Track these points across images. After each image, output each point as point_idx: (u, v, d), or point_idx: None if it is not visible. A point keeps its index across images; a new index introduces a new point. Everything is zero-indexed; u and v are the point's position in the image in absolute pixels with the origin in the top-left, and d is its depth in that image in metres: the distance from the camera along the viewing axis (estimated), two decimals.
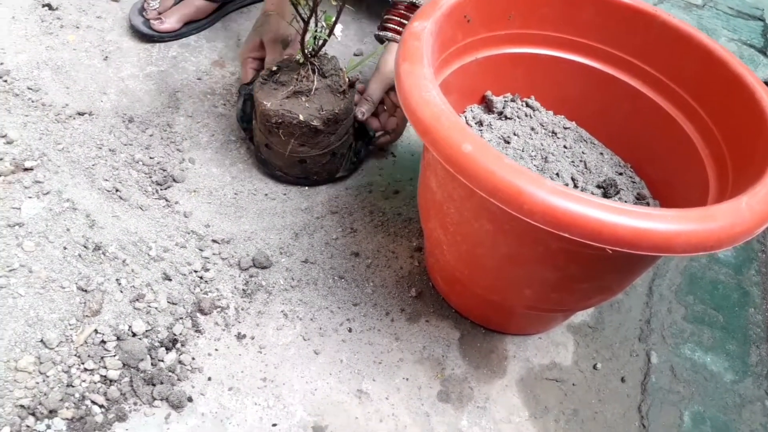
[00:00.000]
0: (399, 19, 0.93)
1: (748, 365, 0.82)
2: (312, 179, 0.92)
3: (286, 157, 0.86)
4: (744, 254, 0.96)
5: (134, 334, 0.68)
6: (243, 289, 0.78)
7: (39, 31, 1.02)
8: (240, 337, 0.73)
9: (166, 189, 0.86)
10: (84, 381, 0.64)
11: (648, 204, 0.76)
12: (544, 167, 0.77)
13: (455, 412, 0.72)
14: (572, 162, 0.80)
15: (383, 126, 0.95)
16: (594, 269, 0.62)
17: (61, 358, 0.63)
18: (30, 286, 0.63)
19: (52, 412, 0.62)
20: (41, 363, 0.62)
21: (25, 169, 0.67)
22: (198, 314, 0.74)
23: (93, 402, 0.64)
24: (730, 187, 0.64)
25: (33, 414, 0.61)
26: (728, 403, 0.77)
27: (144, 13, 1.06)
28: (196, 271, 0.77)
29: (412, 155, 1.01)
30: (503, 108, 0.82)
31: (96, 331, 0.66)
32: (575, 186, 0.76)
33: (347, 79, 0.86)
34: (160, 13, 1.06)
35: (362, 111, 0.91)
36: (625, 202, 0.76)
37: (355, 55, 1.17)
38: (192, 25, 1.09)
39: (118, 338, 0.67)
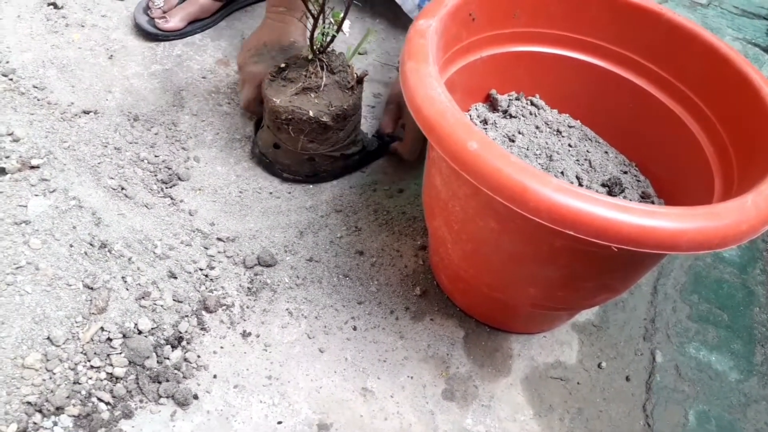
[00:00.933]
0: None
1: (753, 364, 0.82)
2: (320, 176, 0.92)
3: (297, 153, 0.86)
4: (749, 253, 0.96)
5: (140, 332, 0.68)
6: (248, 288, 0.78)
7: (44, 29, 1.02)
8: (245, 335, 0.74)
9: (171, 187, 0.86)
10: (90, 378, 0.64)
11: (653, 203, 0.76)
12: (548, 166, 0.77)
13: (460, 411, 0.72)
14: (577, 161, 0.80)
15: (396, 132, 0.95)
16: (599, 267, 0.62)
17: (67, 355, 0.63)
18: (37, 283, 0.63)
19: (59, 409, 0.62)
20: (48, 360, 0.62)
21: (32, 167, 0.68)
22: (203, 312, 0.74)
23: (99, 399, 0.64)
24: (736, 186, 0.64)
25: (40, 411, 0.61)
26: (733, 403, 0.77)
27: (149, 12, 1.06)
28: (201, 269, 0.77)
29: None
30: (508, 106, 0.82)
31: (102, 328, 0.66)
32: (580, 185, 0.76)
33: (355, 75, 0.86)
34: (164, 12, 1.06)
35: (389, 124, 0.93)
36: (630, 200, 0.76)
37: (359, 54, 1.17)
38: (196, 24, 1.10)
39: (124, 336, 0.67)
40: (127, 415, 0.64)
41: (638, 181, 0.80)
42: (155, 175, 0.86)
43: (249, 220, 0.86)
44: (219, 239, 0.82)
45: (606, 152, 0.83)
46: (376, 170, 0.97)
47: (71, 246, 0.66)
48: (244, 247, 0.82)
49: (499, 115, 0.82)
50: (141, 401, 0.66)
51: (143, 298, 0.70)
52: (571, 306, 0.72)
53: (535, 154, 0.79)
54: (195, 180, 0.89)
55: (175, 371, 0.68)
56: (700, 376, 0.80)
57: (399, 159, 0.97)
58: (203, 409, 0.67)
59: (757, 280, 0.92)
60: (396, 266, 0.84)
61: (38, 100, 0.89)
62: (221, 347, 0.72)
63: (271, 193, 0.90)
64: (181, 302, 0.73)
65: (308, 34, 0.80)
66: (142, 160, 0.86)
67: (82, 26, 1.06)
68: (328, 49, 0.84)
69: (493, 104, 0.83)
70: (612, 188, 0.76)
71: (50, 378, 0.62)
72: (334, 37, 0.81)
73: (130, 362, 0.67)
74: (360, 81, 0.86)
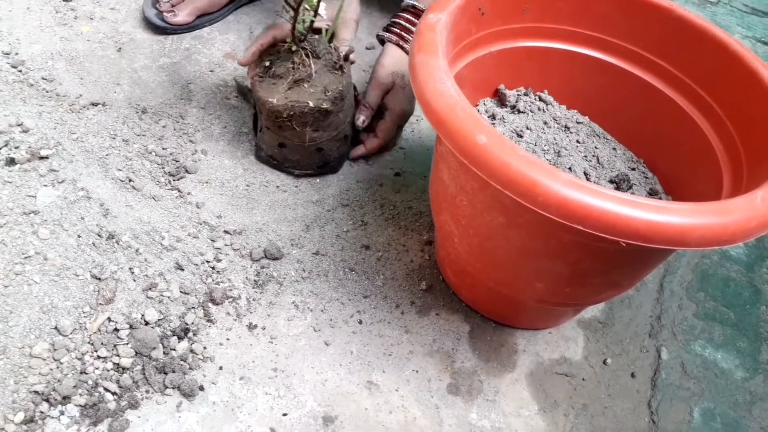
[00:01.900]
0: (405, 24, 0.92)
1: (759, 363, 0.82)
2: (331, 166, 0.92)
3: (305, 147, 0.86)
4: (756, 252, 0.96)
5: (147, 323, 0.68)
6: (254, 280, 0.78)
7: (53, 21, 1.03)
8: (251, 327, 0.74)
9: (178, 180, 0.86)
10: (97, 368, 0.65)
11: (660, 199, 0.76)
12: (556, 161, 0.77)
13: (465, 405, 0.72)
14: (585, 157, 0.80)
15: (376, 131, 0.94)
16: (606, 263, 0.62)
17: (74, 345, 0.64)
18: (45, 273, 0.63)
19: (66, 399, 0.62)
20: (55, 350, 0.63)
21: (41, 158, 0.68)
22: (210, 304, 0.74)
23: (106, 389, 0.64)
24: (745, 182, 0.63)
25: (47, 400, 0.62)
26: (739, 400, 0.77)
27: (157, 6, 1.07)
28: (208, 262, 0.77)
29: (423, 149, 1.01)
30: (516, 102, 0.82)
31: (109, 319, 0.66)
32: (588, 180, 0.76)
33: (341, 54, 0.85)
34: (173, 6, 1.06)
35: (362, 119, 0.90)
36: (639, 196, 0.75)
37: (366, 48, 1.17)
38: (205, 18, 1.10)
39: (131, 326, 0.67)
40: (134, 405, 0.64)
41: (646, 177, 0.79)
42: (163, 168, 0.86)
43: (256, 213, 0.86)
44: (226, 232, 0.82)
45: (614, 148, 0.82)
46: (383, 165, 0.97)
47: (79, 237, 0.66)
48: (251, 240, 0.82)
49: (507, 111, 0.82)
50: (147, 392, 0.66)
51: (150, 289, 0.70)
52: (578, 302, 0.71)
53: (543, 150, 0.79)
54: (202, 173, 0.89)
55: (182, 362, 0.68)
56: (705, 373, 0.79)
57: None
58: (209, 400, 0.67)
59: (764, 279, 0.92)
60: (402, 261, 0.84)
61: (47, 91, 0.90)
62: (227, 339, 0.72)
63: (278, 186, 0.90)
64: (187, 294, 0.73)
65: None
66: (150, 153, 0.86)
67: (91, 19, 1.06)
68: (309, 36, 0.83)
69: (501, 99, 0.83)
70: (620, 184, 0.76)
71: (57, 367, 0.63)
72: (312, 22, 0.80)
73: (136, 353, 0.67)
74: (346, 58, 0.85)
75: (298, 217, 0.87)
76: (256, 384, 0.69)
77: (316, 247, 0.84)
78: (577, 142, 0.81)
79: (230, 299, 0.75)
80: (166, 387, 0.66)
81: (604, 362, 0.78)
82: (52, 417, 0.61)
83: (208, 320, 0.73)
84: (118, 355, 0.66)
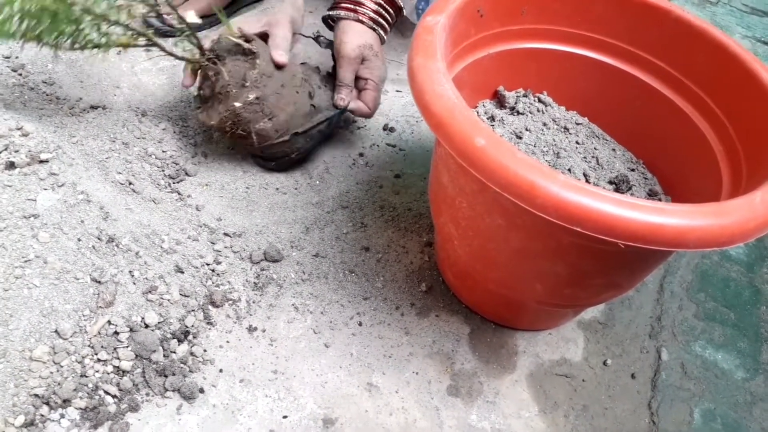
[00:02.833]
0: None
1: (759, 363, 0.81)
2: (308, 148, 0.91)
3: (274, 143, 0.86)
4: (756, 252, 0.96)
5: (147, 326, 0.68)
6: (254, 283, 0.78)
7: None
8: (251, 329, 0.74)
9: (178, 182, 0.86)
10: (97, 371, 0.65)
11: (660, 200, 0.76)
12: (556, 163, 0.77)
13: (465, 407, 0.72)
14: (584, 158, 0.80)
15: (362, 102, 0.92)
16: (606, 265, 0.62)
17: (75, 348, 0.64)
18: (45, 276, 0.63)
19: (66, 402, 0.62)
20: (55, 353, 0.63)
21: (41, 161, 0.68)
22: (210, 306, 0.74)
23: (106, 392, 0.64)
24: (744, 183, 0.63)
25: (47, 403, 0.62)
26: (739, 401, 0.77)
27: (158, 8, 1.07)
28: (208, 264, 0.77)
29: (422, 150, 1.01)
30: (515, 103, 0.82)
31: (109, 322, 0.66)
32: (587, 182, 0.76)
33: (238, 39, 0.83)
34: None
35: (342, 98, 0.90)
36: (638, 198, 0.75)
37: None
38: (205, 20, 1.10)
39: (131, 329, 0.67)
40: (134, 408, 0.64)
41: (645, 178, 0.79)
42: (163, 171, 0.86)
43: (256, 215, 0.86)
44: (226, 234, 0.82)
45: (613, 149, 0.82)
46: (383, 167, 0.97)
47: (79, 240, 0.67)
48: (251, 242, 0.82)
49: (506, 112, 0.82)
50: (147, 395, 0.66)
51: (150, 292, 0.70)
52: (578, 303, 0.71)
53: (543, 151, 0.79)
54: (202, 175, 0.89)
55: (182, 365, 0.68)
56: (705, 374, 0.79)
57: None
58: (209, 402, 0.67)
59: (764, 279, 0.92)
60: (402, 262, 0.84)
61: (47, 95, 0.90)
62: (227, 341, 0.72)
63: (277, 188, 0.90)
64: (187, 297, 0.73)
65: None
66: (150, 156, 0.86)
67: None
68: (205, 45, 0.83)
69: (500, 101, 0.83)
70: (619, 185, 0.76)
71: (57, 371, 0.63)
72: (193, 33, 0.81)
73: (136, 356, 0.67)
74: (248, 39, 0.83)
75: (297, 220, 0.87)
76: (256, 386, 0.69)
77: (315, 249, 0.84)
78: (577, 143, 0.81)
79: (230, 302, 0.75)
80: (167, 390, 0.66)
81: (605, 363, 0.78)
82: (53, 420, 0.62)
83: (208, 323, 0.73)
84: (118, 358, 0.66)
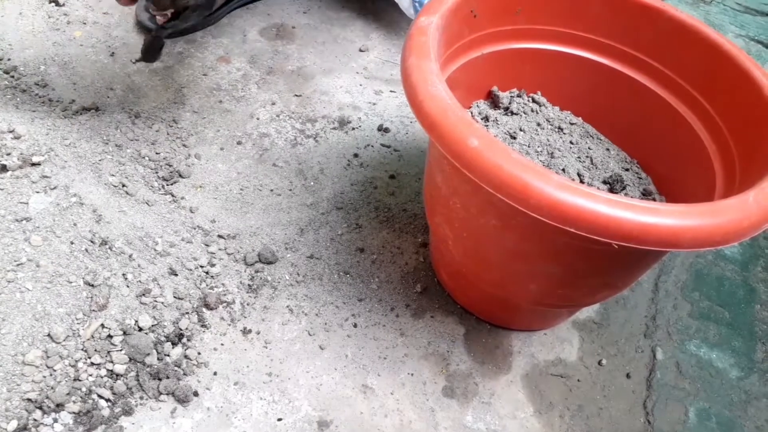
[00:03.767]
0: None
1: (754, 362, 0.82)
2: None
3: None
4: (750, 251, 0.96)
5: (140, 329, 0.68)
6: (249, 285, 0.78)
7: (46, 26, 1.02)
8: (246, 332, 0.74)
9: (172, 184, 0.86)
10: (91, 375, 0.64)
11: (654, 200, 0.76)
12: (550, 163, 0.77)
13: (460, 408, 0.72)
14: (578, 158, 0.80)
15: None
16: (600, 265, 0.62)
17: (68, 352, 0.64)
18: (37, 280, 0.63)
19: (59, 406, 0.62)
20: (48, 357, 0.62)
21: (33, 164, 0.68)
22: (204, 309, 0.74)
23: (99, 396, 0.64)
24: (738, 183, 0.63)
25: (40, 408, 0.61)
26: (734, 400, 0.77)
27: (150, 9, 1.06)
28: (202, 266, 0.77)
29: (417, 151, 1.01)
30: (509, 103, 0.82)
31: (102, 325, 0.66)
32: (581, 182, 0.76)
33: None
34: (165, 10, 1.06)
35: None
36: (632, 197, 0.75)
37: (360, 51, 1.17)
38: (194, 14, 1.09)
39: (125, 333, 0.67)
40: (128, 411, 0.64)
41: (640, 178, 0.79)
42: (156, 173, 0.86)
43: (250, 217, 0.86)
44: (220, 236, 0.82)
45: (607, 149, 0.82)
46: (377, 168, 0.97)
47: (72, 243, 0.66)
48: (245, 244, 0.82)
49: (500, 113, 0.82)
50: (141, 398, 0.66)
51: (144, 295, 0.70)
52: (572, 303, 0.71)
53: (537, 151, 0.79)
54: (196, 177, 0.89)
55: (176, 368, 0.68)
56: (700, 373, 0.79)
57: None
58: (203, 405, 0.67)
59: (759, 278, 0.92)
60: (397, 263, 0.84)
61: (40, 97, 0.89)
62: (221, 344, 0.72)
63: (272, 190, 0.90)
64: (181, 299, 0.73)
65: None
66: (143, 157, 0.86)
67: (84, 23, 1.05)
68: None
69: (494, 101, 0.83)
70: (613, 185, 0.76)
71: (50, 375, 0.62)
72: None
73: (130, 359, 0.67)
74: None
75: (292, 221, 0.87)
76: (251, 389, 0.69)
77: (310, 251, 0.84)
78: (571, 143, 0.81)
79: (224, 304, 0.75)
80: (161, 393, 0.66)
81: (600, 363, 0.78)
82: (46, 425, 0.61)
83: (202, 325, 0.73)
84: (111, 362, 0.66)
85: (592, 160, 0.80)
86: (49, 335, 0.63)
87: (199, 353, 0.70)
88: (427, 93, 0.57)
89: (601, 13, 0.76)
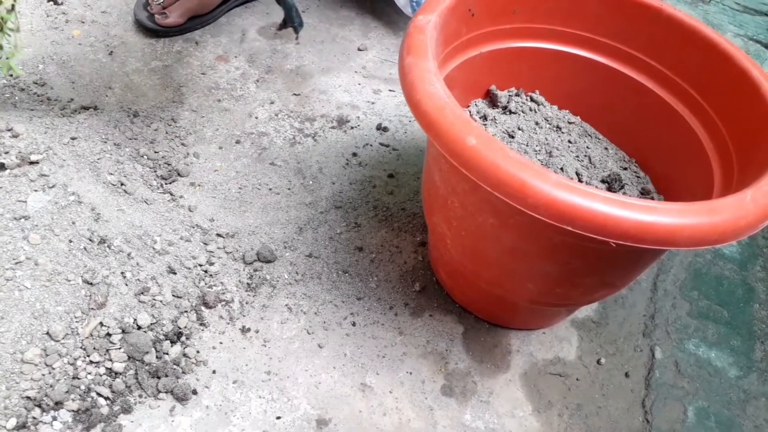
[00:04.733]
0: None
1: (752, 361, 0.82)
2: None
3: None
4: (749, 250, 0.96)
5: (139, 327, 0.68)
6: (247, 283, 0.78)
7: (45, 25, 1.02)
8: (244, 330, 0.74)
9: (170, 183, 0.86)
10: (89, 373, 0.65)
11: (653, 198, 0.76)
12: (548, 162, 0.77)
13: (459, 406, 0.72)
14: (577, 157, 0.80)
15: None
16: (598, 263, 0.62)
17: (66, 350, 0.64)
18: (36, 278, 0.63)
19: (58, 404, 0.62)
20: (47, 355, 0.63)
21: (31, 163, 0.68)
22: (203, 308, 0.74)
23: (98, 394, 0.64)
24: (735, 182, 0.63)
25: (39, 405, 0.61)
26: (732, 399, 0.77)
27: (148, 8, 1.06)
28: (200, 265, 0.77)
29: (415, 150, 1.01)
30: (508, 102, 0.82)
31: (101, 323, 0.66)
32: (580, 180, 0.76)
33: None
34: (164, 8, 1.06)
35: None
36: (630, 196, 0.76)
37: (359, 50, 1.17)
38: (196, 20, 1.10)
39: (123, 331, 0.67)
40: (126, 410, 0.64)
41: (638, 177, 0.79)
42: (155, 171, 0.86)
43: (248, 216, 0.86)
44: (218, 235, 0.82)
45: (606, 148, 0.83)
46: (376, 167, 0.97)
47: (70, 241, 0.66)
48: (244, 242, 0.82)
49: (498, 111, 0.82)
50: (140, 396, 0.66)
51: (142, 293, 0.70)
52: (571, 302, 0.71)
53: (535, 150, 0.79)
54: (194, 176, 0.89)
55: (174, 366, 0.68)
56: (699, 372, 0.80)
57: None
58: (202, 404, 0.67)
59: (758, 277, 0.92)
60: (395, 262, 0.84)
61: (38, 95, 0.89)
62: (220, 343, 0.72)
63: (270, 189, 0.90)
64: (180, 298, 0.73)
65: None
66: (142, 156, 0.86)
67: (82, 22, 1.05)
68: None
69: (492, 100, 0.83)
70: (612, 184, 0.76)
71: (49, 373, 0.62)
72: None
73: (129, 357, 0.67)
74: None
75: (291, 220, 0.87)
76: (250, 387, 0.69)
77: (309, 250, 0.84)
78: (569, 142, 0.81)
79: (223, 302, 0.75)
80: (159, 391, 0.66)
81: (598, 362, 0.78)
82: (45, 422, 0.61)
83: (200, 324, 0.73)
84: (110, 360, 0.66)
85: (590, 159, 0.80)
86: (47, 333, 0.63)
87: (197, 352, 0.70)
88: (425, 91, 0.57)
89: (599, 12, 0.76)
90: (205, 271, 0.77)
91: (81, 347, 0.65)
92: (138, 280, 0.70)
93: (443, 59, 0.71)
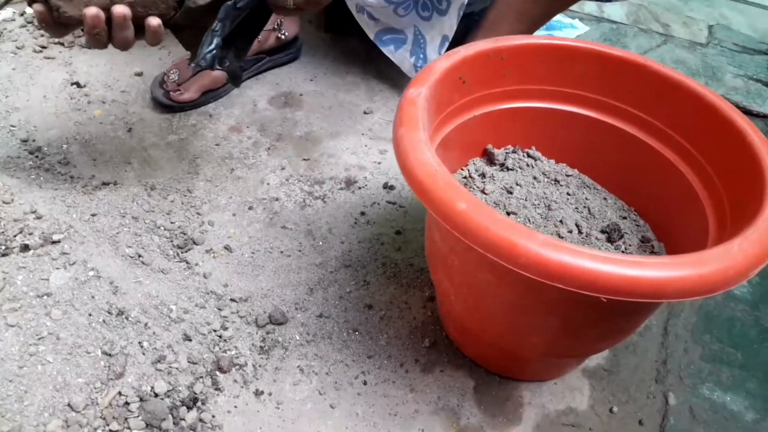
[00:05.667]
0: None
1: None
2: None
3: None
4: (761, 289, 0.96)
5: (156, 395, 0.71)
6: (260, 346, 0.80)
7: (68, 107, 1.09)
8: (258, 393, 0.76)
9: (186, 252, 0.90)
10: None
11: (653, 246, 0.77)
12: (548, 215, 0.79)
13: None
14: (576, 208, 0.82)
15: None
16: (597, 316, 0.64)
17: (87, 420, 0.66)
18: (57, 352, 0.67)
19: None
20: (68, 426, 0.65)
21: (53, 242, 0.72)
22: (217, 372, 0.76)
23: None
24: (729, 230, 0.65)
25: None
26: None
27: (164, 86, 1.13)
28: (215, 331, 0.80)
29: (422, 206, 1.04)
30: (505, 160, 0.85)
31: (120, 393, 0.69)
32: (580, 232, 0.78)
33: None
34: (179, 85, 1.13)
35: None
36: (630, 245, 0.77)
37: (365, 113, 1.21)
38: (210, 94, 1.16)
39: (141, 399, 0.70)
40: None
41: (638, 225, 0.81)
42: (171, 241, 0.90)
43: (261, 279, 0.89)
44: (232, 300, 0.85)
45: (605, 198, 0.85)
46: (383, 224, 1.00)
47: (90, 315, 0.70)
48: (256, 306, 0.85)
49: (496, 169, 0.85)
50: None
51: (159, 361, 0.73)
52: (578, 353, 0.72)
53: (534, 204, 0.81)
54: (209, 243, 0.92)
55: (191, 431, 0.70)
56: (714, 417, 0.79)
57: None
58: None
59: None
60: (405, 318, 0.86)
61: (62, 174, 0.95)
62: (235, 406, 0.74)
63: (282, 252, 0.94)
64: (195, 364, 0.75)
65: None
66: (159, 227, 0.90)
67: (103, 102, 1.12)
68: None
69: (490, 158, 0.86)
70: (611, 234, 0.77)
71: None
72: None
73: (147, 425, 0.69)
74: None
75: (301, 281, 0.90)
76: None
77: (319, 310, 0.86)
78: (568, 194, 0.84)
79: (237, 366, 0.77)
80: None
81: (611, 410, 0.78)
82: None
83: (216, 389, 0.75)
84: (129, 428, 0.68)
85: (589, 210, 0.82)
86: (69, 405, 0.66)
87: (213, 416, 0.72)
88: (417, 161, 0.60)
89: (586, 70, 0.80)
90: (220, 336, 0.79)
91: (101, 417, 0.67)
92: (155, 348, 0.73)
93: (438, 124, 0.75)
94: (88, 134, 1.05)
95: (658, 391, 0.81)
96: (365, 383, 0.78)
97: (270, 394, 0.76)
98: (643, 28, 1.58)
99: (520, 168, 0.85)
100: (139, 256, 0.83)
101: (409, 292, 0.90)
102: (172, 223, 0.92)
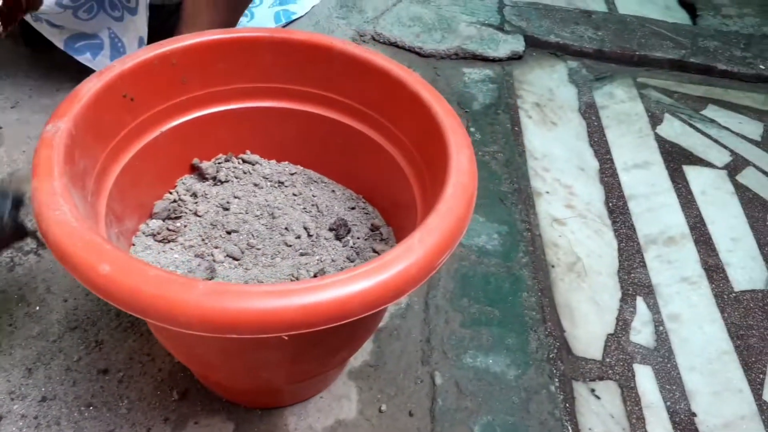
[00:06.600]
0: None
1: (528, 354, 0.83)
2: None
3: None
4: (510, 239, 0.98)
5: None
6: None
7: None
8: None
9: None
10: None
11: (381, 233, 0.74)
12: (272, 224, 0.73)
13: None
14: (304, 208, 0.76)
15: None
16: (313, 340, 0.58)
17: None
18: None
19: None
20: None
21: None
22: None
23: None
24: (432, 203, 0.62)
25: None
26: (515, 402, 0.78)
27: None
28: None
29: None
30: (217, 172, 0.76)
31: None
32: (309, 235, 0.72)
33: None
34: None
35: None
36: (358, 238, 0.73)
37: None
38: None
39: None
40: None
41: (366, 213, 0.77)
42: None
43: None
44: None
45: (333, 191, 0.80)
46: None
47: None
48: None
49: (209, 184, 0.76)
50: None
51: None
52: (318, 371, 0.67)
53: (256, 216, 0.74)
54: None
55: None
56: (480, 385, 0.79)
57: None
58: None
59: (521, 264, 0.95)
60: (148, 373, 0.76)
61: None
62: None
63: None
64: None
65: None
66: None
67: None
68: None
69: (201, 173, 0.77)
70: (338, 231, 0.73)
71: None
72: None
73: None
74: None
75: (16, 363, 0.75)
76: None
77: (42, 393, 0.73)
78: (294, 194, 0.78)
79: None
80: None
81: (380, 410, 0.75)
82: None
83: None
84: None
85: (318, 208, 0.77)
86: None
87: None
88: (51, 219, 0.49)
89: (275, 60, 0.73)
90: None
91: None
92: None
93: (109, 156, 0.64)
94: None
95: (425, 374, 0.80)
96: None
97: None
98: None
99: (237, 178, 0.77)
100: None
101: (150, 341, 0.79)
102: None
